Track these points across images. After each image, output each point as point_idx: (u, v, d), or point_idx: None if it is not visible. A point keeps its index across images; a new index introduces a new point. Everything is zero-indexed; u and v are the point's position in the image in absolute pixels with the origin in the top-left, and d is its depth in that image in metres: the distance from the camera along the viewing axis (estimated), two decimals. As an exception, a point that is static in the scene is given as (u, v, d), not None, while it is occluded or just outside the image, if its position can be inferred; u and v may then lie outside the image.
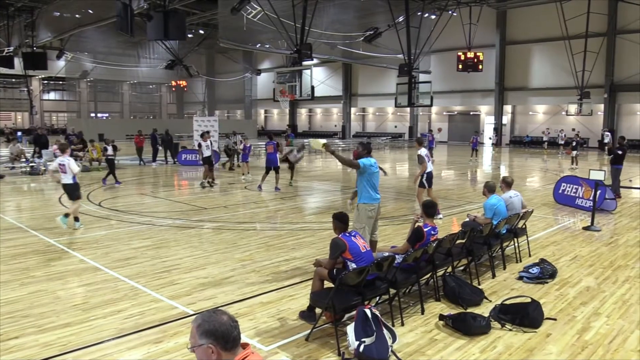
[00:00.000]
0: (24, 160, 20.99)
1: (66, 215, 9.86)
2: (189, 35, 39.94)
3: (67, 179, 9.97)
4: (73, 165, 9.93)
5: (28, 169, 20.12)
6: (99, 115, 62.30)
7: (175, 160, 25.03)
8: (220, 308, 2.32)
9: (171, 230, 9.92)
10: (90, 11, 33.85)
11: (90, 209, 12.36)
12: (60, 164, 9.96)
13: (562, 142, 32.63)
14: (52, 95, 61.41)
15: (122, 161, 23.55)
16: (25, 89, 51.00)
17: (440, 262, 6.36)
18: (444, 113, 46.54)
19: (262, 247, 8.69)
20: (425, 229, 6.13)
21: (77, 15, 35.92)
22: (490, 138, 40.62)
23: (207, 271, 7.28)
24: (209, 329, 2.12)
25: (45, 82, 56.98)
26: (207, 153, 16.65)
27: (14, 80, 52.17)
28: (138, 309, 5.84)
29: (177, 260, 7.89)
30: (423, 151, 11.22)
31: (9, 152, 22.34)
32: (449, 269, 6.62)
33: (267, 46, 31.94)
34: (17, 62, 35.38)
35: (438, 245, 6.12)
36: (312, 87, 20.42)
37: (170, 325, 5.38)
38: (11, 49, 36.57)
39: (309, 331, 5.14)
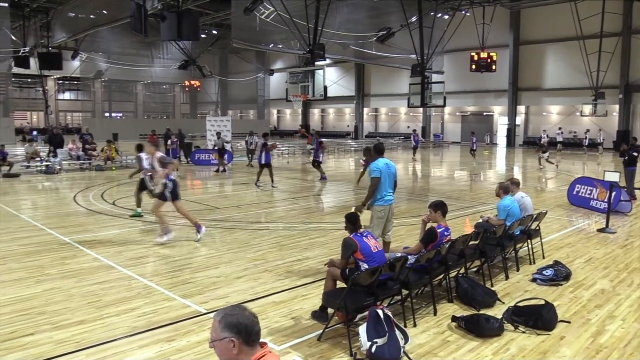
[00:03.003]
0: (39, 159, 21.22)
1: None
2: (202, 36, 40.18)
3: None
4: None
5: (43, 168, 20.34)
6: (113, 114, 62.81)
7: (189, 159, 25.18)
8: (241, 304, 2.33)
9: (184, 230, 9.98)
10: (104, 12, 34.16)
11: (105, 207, 12.47)
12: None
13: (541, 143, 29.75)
14: (67, 95, 62.03)
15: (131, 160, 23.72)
16: (41, 89, 51.63)
17: (453, 263, 6.32)
18: (457, 113, 46.30)
19: (274, 247, 8.71)
20: (438, 230, 6.10)
21: (91, 16, 36.29)
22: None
23: (220, 270, 7.31)
24: (231, 322, 2.14)
25: (60, 82, 57.56)
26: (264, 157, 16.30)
27: (29, 80, 52.76)
28: (151, 307, 5.88)
29: (190, 259, 7.94)
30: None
31: (24, 151, 22.61)
32: (462, 270, 6.58)
33: (280, 46, 32.00)
34: (33, 62, 35.81)
35: (451, 247, 6.09)
36: (325, 87, 20.46)
37: (183, 324, 5.41)
38: (27, 49, 37.04)
39: (321, 331, 5.13)
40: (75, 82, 59.11)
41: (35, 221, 10.81)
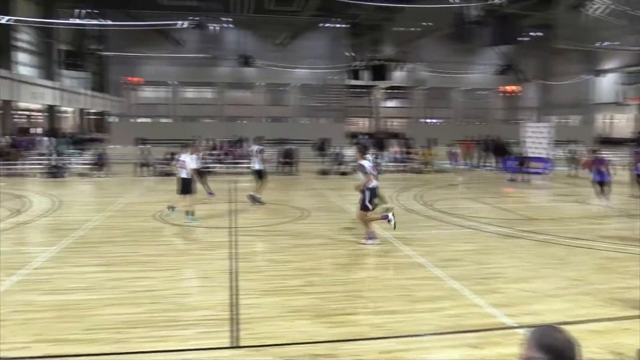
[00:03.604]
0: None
1: (171, 207, 10.90)
2: (523, 39, 38.57)
3: (183, 174, 10.92)
4: (190, 163, 10.91)
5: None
6: (430, 120, 65.78)
7: (504, 167, 24.50)
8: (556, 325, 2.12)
9: (496, 238, 9.74)
10: (430, 23, 36.02)
11: (420, 208, 13.13)
12: (180, 160, 11.03)
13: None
14: (391, 103, 67.78)
15: (445, 165, 24.36)
16: (369, 98, 57.68)
17: None
18: None
19: (597, 268, 7.72)
20: None
21: (416, 29, 38.76)
22: None
23: (533, 285, 6.86)
24: (546, 343, 1.97)
25: (386, 91, 63.26)
26: None
27: (358, 90, 59.55)
28: (458, 310, 5.91)
29: (501, 268, 7.69)
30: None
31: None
32: None
33: (614, 43, 28.29)
34: (363, 74, 40.23)
35: None
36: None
37: (489, 333, 5.26)
38: (359, 63, 41.93)
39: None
40: (399, 91, 64.10)
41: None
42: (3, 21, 29.43)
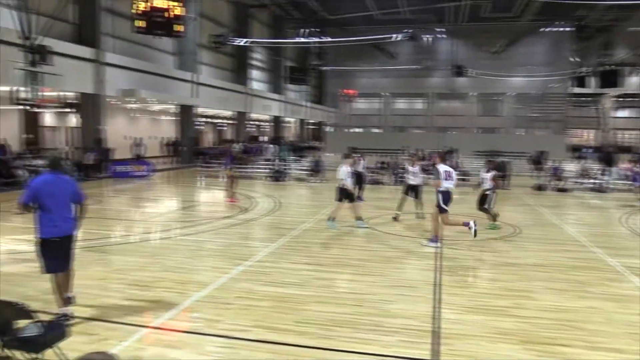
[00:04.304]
0: (590, 176, 21.40)
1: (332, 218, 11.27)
2: None
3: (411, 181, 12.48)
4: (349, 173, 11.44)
5: (594, 186, 20.39)
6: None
7: None
8: None
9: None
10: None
11: (656, 234, 11.34)
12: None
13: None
14: (622, 113, 59.90)
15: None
16: (596, 107, 51.82)
17: None
18: None
19: None
20: None
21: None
22: None
23: None
24: None
25: (617, 99, 56.05)
26: None
27: (583, 98, 53.79)
28: None
29: None
30: None
31: (579, 168, 23.26)
32: None
33: None
34: (588, 81, 36.35)
35: None
36: None
37: None
38: (586, 69, 37.90)
39: None
40: (633, 99, 56.27)
41: (579, 236, 10.93)
42: (242, 43, 33.72)
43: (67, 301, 5.67)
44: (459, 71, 40.42)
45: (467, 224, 9.48)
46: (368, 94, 54.44)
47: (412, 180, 12.69)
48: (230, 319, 5.78)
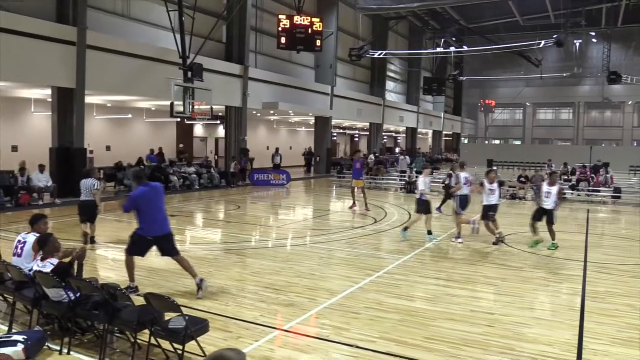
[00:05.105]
0: None
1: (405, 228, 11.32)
2: None
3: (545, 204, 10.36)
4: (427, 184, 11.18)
5: None
6: None
7: None
8: None
9: None
10: None
11: None
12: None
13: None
14: None
15: None
16: None
17: None
18: None
19: None
20: None
21: None
22: None
23: None
24: None
25: None
26: None
27: None
28: None
29: None
30: None
31: None
32: None
33: None
34: None
35: None
36: None
37: None
38: None
39: None
40: None
41: None
42: (379, 55, 33.91)
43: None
44: (614, 78, 36.74)
45: (469, 222, 11.08)
46: (508, 104, 51.88)
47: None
48: (358, 328, 5.81)
